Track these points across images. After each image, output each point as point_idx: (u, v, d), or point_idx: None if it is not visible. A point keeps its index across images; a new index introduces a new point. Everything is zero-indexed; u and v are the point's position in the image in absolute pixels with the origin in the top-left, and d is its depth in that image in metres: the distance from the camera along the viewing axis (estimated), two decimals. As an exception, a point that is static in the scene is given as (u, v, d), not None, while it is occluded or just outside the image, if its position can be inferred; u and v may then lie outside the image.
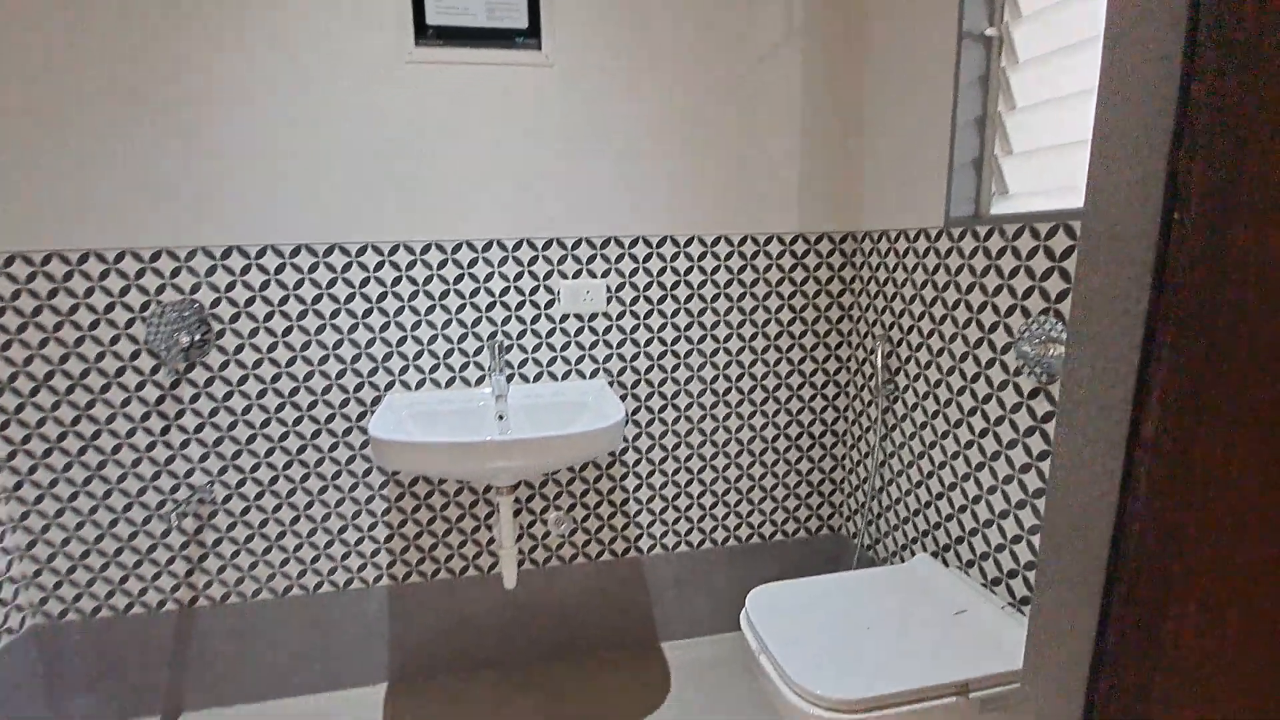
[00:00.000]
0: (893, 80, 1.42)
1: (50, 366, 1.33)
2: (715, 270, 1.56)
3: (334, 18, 1.30)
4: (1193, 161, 0.32)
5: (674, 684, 1.56)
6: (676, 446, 1.63)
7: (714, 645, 1.70)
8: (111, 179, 1.28)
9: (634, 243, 1.51)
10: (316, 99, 1.33)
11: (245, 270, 1.36)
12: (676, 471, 1.64)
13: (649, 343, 1.56)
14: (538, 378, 1.53)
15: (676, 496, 1.65)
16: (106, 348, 1.34)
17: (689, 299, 1.56)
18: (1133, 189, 0.35)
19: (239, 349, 1.39)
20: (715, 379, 1.61)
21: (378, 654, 1.57)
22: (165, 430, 1.39)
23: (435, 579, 1.57)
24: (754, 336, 1.61)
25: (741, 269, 1.57)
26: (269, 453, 1.44)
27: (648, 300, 1.54)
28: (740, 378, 1.63)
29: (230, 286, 1.36)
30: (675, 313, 1.56)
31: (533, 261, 1.47)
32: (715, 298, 1.57)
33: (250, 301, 1.37)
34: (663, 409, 1.60)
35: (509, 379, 1.51)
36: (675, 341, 1.58)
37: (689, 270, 1.55)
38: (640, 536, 1.66)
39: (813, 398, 1.68)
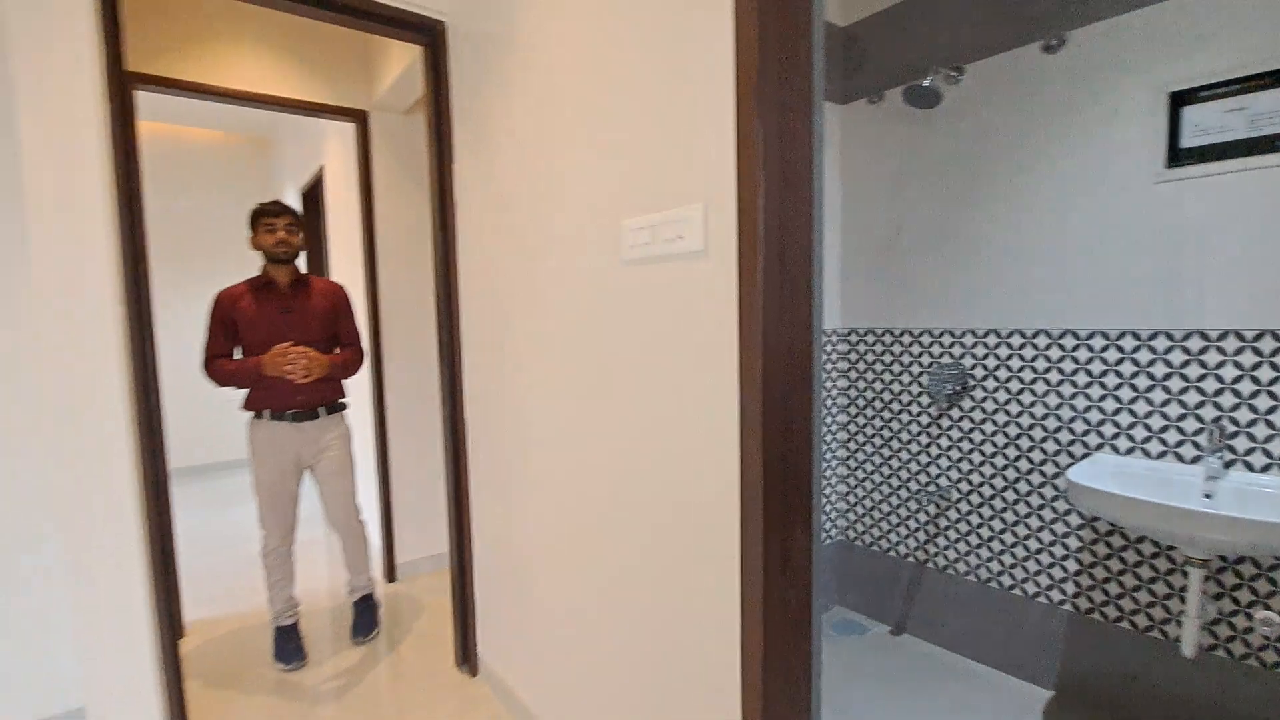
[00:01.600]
0: None
1: (874, 394, 2.32)
2: None
3: (1086, 167, 1.75)
4: None
5: None
6: None
7: None
8: (929, 285, 2.14)
9: None
10: (1064, 223, 1.80)
11: (996, 346, 1.97)
12: None
13: None
14: (1265, 469, 1.50)
15: None
16: (905, 387, 2.23)
17: None
18: None
19: (984, 399, 2.02)
20: None
21: (1047, 663, 1.89)
22: (928, 445, 2.17)
23: (1115, 624, 1.76)
24: None
25: None
26: (993, 475, 2.01)
27: None
28: None
29: (985, 356, 2.01)
30: None
31: (1274, 353, 1.48)
32: None
33: (997, 368, 1.98)
34: None
35: (1228, 464, 1.55)
36: None
37: None
38: None
39: None
